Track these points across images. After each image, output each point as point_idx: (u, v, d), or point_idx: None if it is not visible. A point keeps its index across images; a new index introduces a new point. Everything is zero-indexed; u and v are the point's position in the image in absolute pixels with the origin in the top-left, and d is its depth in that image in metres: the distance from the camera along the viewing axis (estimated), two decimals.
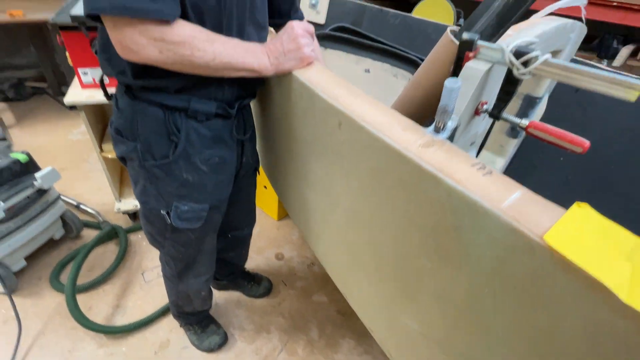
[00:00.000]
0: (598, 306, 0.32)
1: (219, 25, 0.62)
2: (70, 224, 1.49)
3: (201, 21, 0.60)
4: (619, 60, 1.96)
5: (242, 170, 0.92)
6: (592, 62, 1.28)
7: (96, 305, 1.33)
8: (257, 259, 1.59)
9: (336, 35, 1.46)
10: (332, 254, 0.88)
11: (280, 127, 0.88)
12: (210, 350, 1.21)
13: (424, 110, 0.68)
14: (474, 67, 0.47)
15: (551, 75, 0.43)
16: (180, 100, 0.68)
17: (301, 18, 0.88)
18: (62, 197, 1.71)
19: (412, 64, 1.38)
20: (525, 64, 0.44)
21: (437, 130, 0.48)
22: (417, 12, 2.30)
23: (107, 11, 0.50)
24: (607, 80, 0.39)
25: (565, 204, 0.38)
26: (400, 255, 0.57)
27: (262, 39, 0.75)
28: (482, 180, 0.41)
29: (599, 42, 1.94)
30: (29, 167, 1.26)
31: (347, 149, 0.60)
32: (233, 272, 1.36)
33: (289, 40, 0.65)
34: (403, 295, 0.61)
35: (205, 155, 0.75)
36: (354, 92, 0.60)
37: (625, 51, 1.96)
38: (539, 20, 0.73)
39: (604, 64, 1.88)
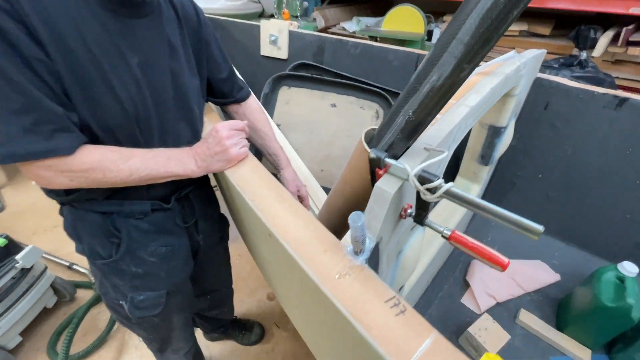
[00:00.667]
0: None
1: (135, 138, 0.62)
2: (62, 290, 1.52)
3: (115, 139, 0.60)
4: (599, 50, 1.89)
5: (202, 246, 0.92)
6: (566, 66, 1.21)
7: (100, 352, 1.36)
8: (248, 302, 1.59)
9: (295, 74, 1.44)
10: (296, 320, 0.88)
11: (233, 207, 0.88)
12: None
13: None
14: (383, 189, 0.45)
15: (459, 204, 0.41)
16: (113, 205, 0.69)
17: (246, 95, 0.90)
18: (53, 257, 1.75)
19: (376, 95, 1.36)
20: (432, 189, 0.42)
21: (356, 253, 0.47)
22: (388, 21, 2.25)
23: (2, 161, 0.50)
24: (508, 220, 0.37)
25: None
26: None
27: (196, 132, 0.75)
28: (393, 323, 0.40)
29: (575, 33, 1.87)
30: (10, 249, 1.29)
31: (280, 257, 0.59)
32: (223, 326, 1.37)
33: (215, 143, 0.64)
34: None
35: (151, 248, 0.75)
36: (281, 196, 0.59)
37: (604, 40, 1.88)
38: (475, 80, 0.70)
39: (583, 55, 1.81)
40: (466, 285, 1.24)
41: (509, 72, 0.73)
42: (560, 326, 1.14)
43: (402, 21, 2.17)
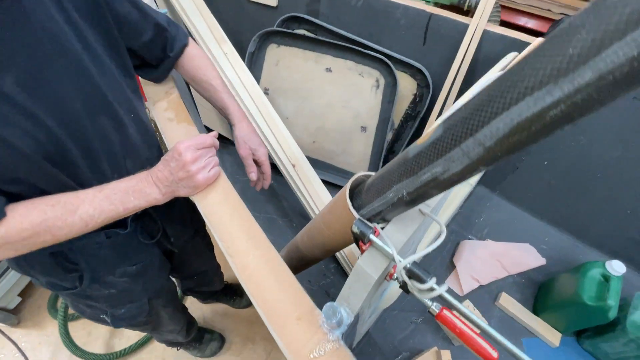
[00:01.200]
0: None
1: (56, 178, 0.50)
2: None
3: (32, 189, 0.49)
4: None
5: (177, 246, 0.87)
6: None
7: (95, 330, 1.45)
8: None
9: (286, 31, 1.23)
10: None
11: None
12: (213, 355, 1.34)
13: (327, 252, 0.60)
14: (365, 271, 0.39)
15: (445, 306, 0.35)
16: (60, 245, 0.56)
17: (182, 45, 0.72)
18: None
19: (378, 62, 1.19)
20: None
21: (332, 328, 0.43)
22: None
23: None
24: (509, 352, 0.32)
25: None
26: None
27: (128, 128, 0.60)
28: None
29: None
30: None
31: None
32: (214, 294, 1.42)
33: (178, 168, 0.55)
34: None
35: (119, 272, 0.70)
36: (254, 238, 0.52)
37: None
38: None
39: None
40: (452, 267, 1.26)
41: None
42: (536, 309, 1.18)
43: None
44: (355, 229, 0.39)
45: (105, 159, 0.56)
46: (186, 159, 0.54)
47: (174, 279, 1.06)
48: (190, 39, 0.74)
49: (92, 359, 1.32)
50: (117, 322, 0.78)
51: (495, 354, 0.39)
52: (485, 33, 1.04)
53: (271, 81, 1.35)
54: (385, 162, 1.35)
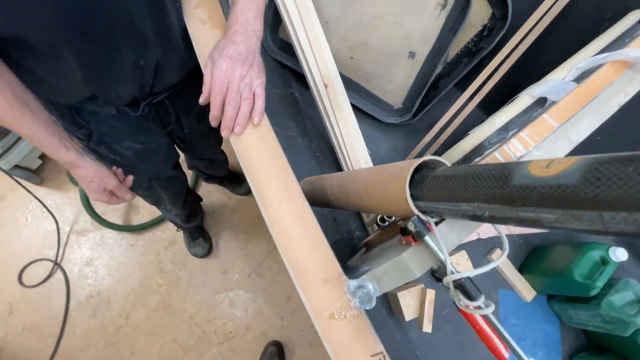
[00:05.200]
0: None
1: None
2: None
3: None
4: None
5: (189, 136, 0.88)
6: None
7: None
8: None
9: None
10: None
11: None
12: (194, 256, 1.47)
13: (346, 209, 0.57)
14: (409, 266, 0.37)
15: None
16: (73, 102, 0.63)
17: None
18: None
19: None
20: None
21: (359, 301, 0.44)
22: None
23: None
24: None
25: None
26: None
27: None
28: None
29: None
30: None
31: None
32: (217, 177, 1.48)
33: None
34: None
35: (125, 144, 0.73)
36: (290, 191, 0.49)
37: None
38: None
39: None
40: None
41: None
42: (522, 268, 1.26)
43: None
44: (411, 227, 0.35)
45: (132, 44, 0.53)
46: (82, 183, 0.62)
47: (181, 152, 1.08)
48: None
49: (108, 226, 1.45)
50: None
51: (507, 355, 0.41)
52: None
53: (335, 13, 1.11)
54: (426, 96, 1.22)
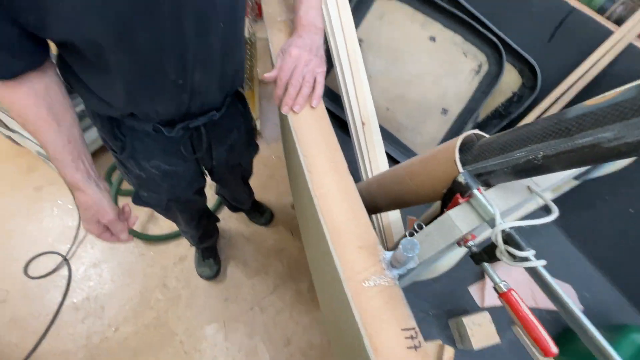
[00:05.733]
0: None
1: (136, 59, 0.51)
2: None
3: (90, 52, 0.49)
4: None
5: (217, 168, 0.89)
6: None
7: (136, 211, 1.59)
8: (274, 204, 1.70)
9: None
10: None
11: (286, 140, 0.83)
12: (201, 276, 1.42)
13: (397, 203, 0.58)
14: (454, 222, 0.37)
15: (536, 282, 0.33)
16: (118, 116, 0.65)
17: None
18: None
19: (489, 45, 1.09)
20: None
21: (393, 265, 0.43)
22: None
23: None
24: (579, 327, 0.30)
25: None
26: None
27: (228, 41, 0.58)
28: (401, 354, 0.39)
29: None
30: None
31: (316, 227, 0.56)
32: (239, 209, 1.50)
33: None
34: None
35: (153, 163, 0.73)
36: (336, 165, 0.52)
37: None
38: None
39: None
40: (481, 276, 1.22)
41: None
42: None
43: None
44: (461, 179, 0.37)
45: (173, 61, 0.53)
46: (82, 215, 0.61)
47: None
48: None
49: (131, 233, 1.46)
50: (137, 200, 0.86)
51: (555, 350, 0.37)
52: (630, 47, 0.91)
53: (368, 33, 1.30)
54: None
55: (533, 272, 0.33)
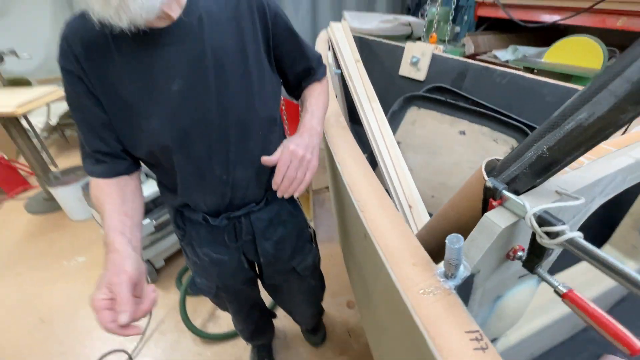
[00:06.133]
0: None
1: (172, 160, 0.65)
2: None
3: (157, 160, 0.67)
4: None
5: (266, 268, 0.91)
6: None
7: (200, 309, 1.66)
8: (328, 303, 1.66)
9: (429, 96, 1.43)
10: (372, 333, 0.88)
11: (337, 199, 0.95)
12: None
13: (430, 246, 0.63)
14: (492, 220, 0.43)
15: (585, 259, 0.36)
16: (177, 205, 0.77)
17: (321, 75, 0.81)
18: None
19: (516, 130, 1.23)
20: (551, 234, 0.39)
21: (447, 277, 0.46)
22: (554, 52, 1.99)
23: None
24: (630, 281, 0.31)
25: None
26: None
27: (266, 144, 0.71)
28: (469, 356, 0.38)
29: None
30: None
31: (370, 260, 0.62)
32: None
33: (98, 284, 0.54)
34: None
35: (204, 250, 0.82)
36: (383, 202, 0.62)
37: None
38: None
39: None
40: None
41: None
42: None
43: (572, 54, 1.87)
44: (489, 184, 0.45)
45: (219, 161, 0.67)
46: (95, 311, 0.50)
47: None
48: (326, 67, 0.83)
49: (190, 327, 1.51)
50: (192, 287, 0.94)
51: (638, 345, 0.35)
52: None
53: (405, 136, 1.54)
54: None
55: (574, 245, 0.36)
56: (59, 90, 2.08)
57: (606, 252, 0.94)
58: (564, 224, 0.37)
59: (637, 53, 0.31)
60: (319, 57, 0.80)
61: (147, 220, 1.57)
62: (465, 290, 0.49)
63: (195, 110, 0.61)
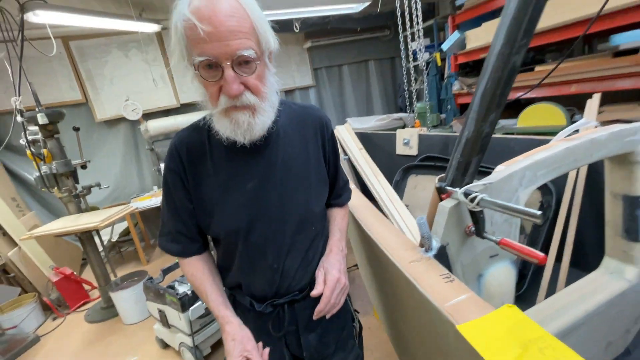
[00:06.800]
0: None
1: (236, 244, 0.74)
2: None
3: (226, 241, 0.76)
4: None
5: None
6: None
7: None
8: None
9: (423, 164, 1.77)
10: None
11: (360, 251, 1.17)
12: None
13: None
14: (442, 205, 0.69)
15: (493, 209, 0.61)
16: (230, 284, 0.83)
17: (346, 199, 0.92)
18: None
19: None
20: (475, 200, 0.64)
21: (426, 250, 0.69)
22: (523, 118, 2.37)
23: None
24: (515, 211, 0.55)
25: None
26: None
27: (314, 239, 0.79)
28: (441, 286, 0.60)
29: None
30: None
31: (378, 260, 0.84)
32: None
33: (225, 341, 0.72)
34: None
35: (255, 336, 0.80)
36: (382, 221, 0.88)
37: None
38: (551, 145, 0.86)
39: None
40: None
41: (597, 136, 0.84)
42: None
43: (540, 117, 2.25)
44: (437, 185, 0.72)
45: (272, 250, 0.74)
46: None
47: None
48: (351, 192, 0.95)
49: None
50: None
51: (541, 255, 0.57)
52: None
53: (410, 200, 1.81)
54: (520, 266, 1.39)
55: (484, 202, 0.61)
56: (126, 210, 2.59)
57: (606, 264, 1.09)
58: (477, 193, 0.63)
59: (468, 115, 0.63)
60: (347, 181, 0.93)
61: (198, 303, 1.78)
62: (444, 261, 0.70)
63: (260, 204, 0.72)
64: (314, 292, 0.72)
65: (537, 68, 2.58)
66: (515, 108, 2.93)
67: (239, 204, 0.71)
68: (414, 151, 1.99)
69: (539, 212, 0.52)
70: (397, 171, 1.85)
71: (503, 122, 2.84)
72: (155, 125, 3.35)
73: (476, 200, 0.62)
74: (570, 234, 1.27)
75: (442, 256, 0.70)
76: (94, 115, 3.55)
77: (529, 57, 3.00)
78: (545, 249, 1.33)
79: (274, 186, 0.72)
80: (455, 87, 3.42)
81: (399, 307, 0.87)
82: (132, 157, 3.81)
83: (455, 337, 0.50)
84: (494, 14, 2.79)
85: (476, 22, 2.92)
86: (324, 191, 0.81)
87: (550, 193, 1.36)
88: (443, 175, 0.79)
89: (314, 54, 4.43)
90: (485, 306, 0.53)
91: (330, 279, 0.73)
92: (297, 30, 3.67)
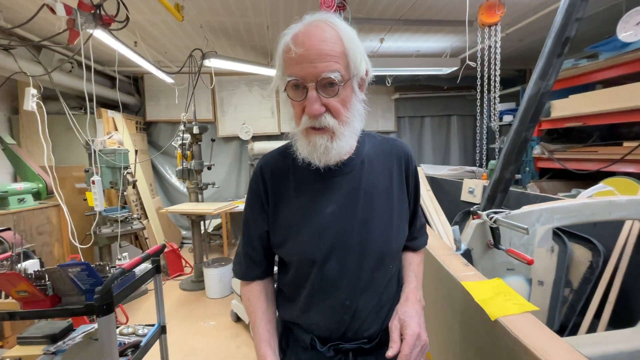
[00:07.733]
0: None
1: (309, 274, 0.70)
2: None
3: (295, 268, 0.72)
4: None
5: None
6: None
7: None
8: None
9: None
10: None
11: None
12: None
13: None
14: (472, 222, 1.01)
15: (504, 225, 0.92)
16: (289, 318, 0.77)
17: (422, 243, 0.85)
18: None
19: (555, 235, 1.65)
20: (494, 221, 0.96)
21: (456, 249, 1.02)
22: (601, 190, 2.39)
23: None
24: (511, 226, 0.87)
25: None
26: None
27: (390, 277, 0.74)
28: (460, 267, 0.92)
29: None
30: None
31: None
32: None
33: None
34: None
35: None
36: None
37: None
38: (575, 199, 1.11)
39: None
40: None
41: (616, 199, 1.07)
42: None
43: (616, 188, 2.27)
44: (472, 209, 1.04)
45: (347, 285, 0.69)
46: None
47: None
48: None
49: None
50: None
51: (530, 257, 0.87)
52: None
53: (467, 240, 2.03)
54: (563, 318, 1.50)
55: (499, 221, 0.93)
56: (231, 206, 3.30)
57: None
58: (496, 213, 0.95)
59: (496, 166, 0.98)
60: (424, 224, 0.87)
61: None
62: (468, 259, 1.01)
63: (339, 231, 0.68)
64: (390, 353, 0.62)
65: (626, 144, 2.59)
66: (601, 178, 2.89)
67: (318, 229, 0.68)
68: (477, 199, 2.22)
69: (526, 227, 0.83)
70: (458, 213, 2.11)
71: (585, 192, 2.82)
72: (260, 147, 4.18)
73: (493, 219, 0.94)
74: (613, 292, 1.38)
75: (467, 256, 1.01)
76: (217, 131, 4.57)
77: (623, 132, 2.96)
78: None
79: (354, 214, 0.68)
80: (536, 150, 3.48)
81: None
82: (235, 168, 4.74)
83: (461, 290, 0.83)
84: (581, 88, 2.91)
85: (562, 93, 3.05)
86: (405, 228, 0.76)
87: (600, 254, 1.49)
88: (479, 205, 1.11)
89: (400, 104, 4.93)
90: (483, 278, 0.84)
91: (410, 334, 0.63)
92: (388, 85, 4.24)
